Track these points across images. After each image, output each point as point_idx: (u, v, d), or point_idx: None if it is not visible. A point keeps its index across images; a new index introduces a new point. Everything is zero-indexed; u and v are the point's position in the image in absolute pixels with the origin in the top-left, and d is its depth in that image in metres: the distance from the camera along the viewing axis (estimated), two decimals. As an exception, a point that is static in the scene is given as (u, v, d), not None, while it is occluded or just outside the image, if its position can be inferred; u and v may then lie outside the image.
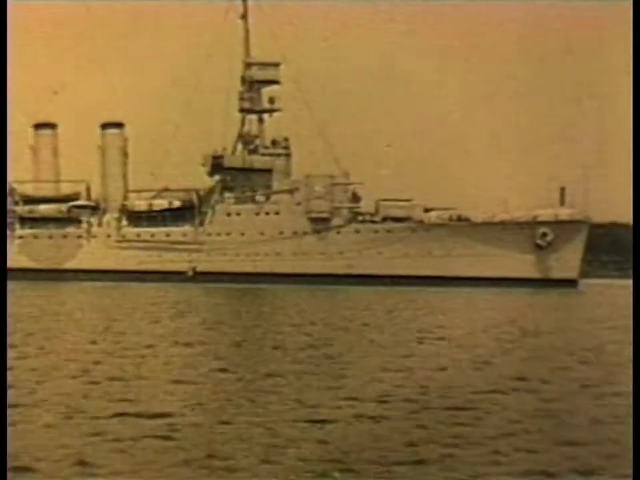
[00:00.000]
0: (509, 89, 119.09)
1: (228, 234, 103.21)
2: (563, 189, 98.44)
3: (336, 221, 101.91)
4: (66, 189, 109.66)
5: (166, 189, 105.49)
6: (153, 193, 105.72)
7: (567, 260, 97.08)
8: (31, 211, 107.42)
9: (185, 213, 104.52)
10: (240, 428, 17.03)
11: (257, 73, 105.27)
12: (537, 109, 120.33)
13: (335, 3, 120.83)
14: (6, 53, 26.23)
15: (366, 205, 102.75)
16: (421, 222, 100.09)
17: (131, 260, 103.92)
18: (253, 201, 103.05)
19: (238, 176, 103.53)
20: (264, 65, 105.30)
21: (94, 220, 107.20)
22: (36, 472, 14.08)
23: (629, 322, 25.75)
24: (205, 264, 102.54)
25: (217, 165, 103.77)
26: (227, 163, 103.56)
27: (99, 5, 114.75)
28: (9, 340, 28.96)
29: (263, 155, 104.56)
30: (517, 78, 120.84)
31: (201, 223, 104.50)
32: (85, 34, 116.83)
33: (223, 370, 24.95)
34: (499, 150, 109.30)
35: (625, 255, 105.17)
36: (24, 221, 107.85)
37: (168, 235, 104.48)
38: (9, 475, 13.41)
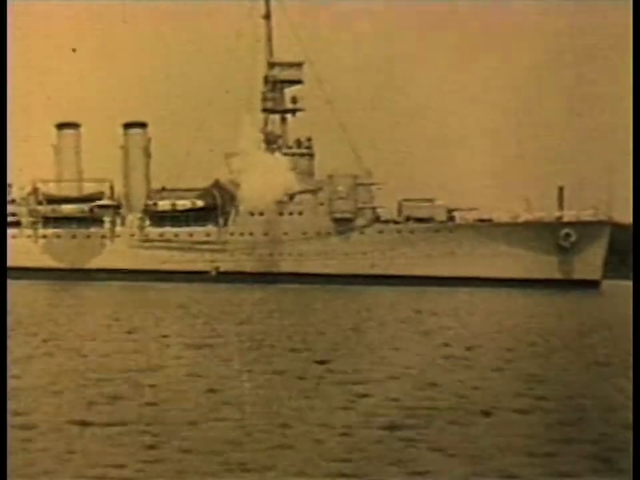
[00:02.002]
0: (530, 88, 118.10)
1: (251, 234, 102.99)
2: (561, 189, 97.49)
3: (359, 222, 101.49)
4: (89, 188, 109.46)
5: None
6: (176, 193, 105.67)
7: (590, 261, 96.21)
8: (54, 211, 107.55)
9: (209, 213, 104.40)
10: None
11: (279, 73, 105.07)
12: (559, 108, 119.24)
13: (358, 3, 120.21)
14: (6, 52, 26.19)
15: (389, 206, 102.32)
16: (444, 222, 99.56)
17: (154, 260, 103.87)
18: (277, 201, 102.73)
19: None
20: (287, 64, 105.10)
21: (117, 220, 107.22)
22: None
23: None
24: (228, 264, 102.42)
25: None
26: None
27: (119, 5, 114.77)
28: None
29: (286, 154, 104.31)
30: (538, 75, 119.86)
31: (225, 223, 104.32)
32: (105, 34, 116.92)
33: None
34: (520, 150, 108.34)
35: (619, 255, 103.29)
36: (47, 220, 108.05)
37: (191, 235, 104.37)
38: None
